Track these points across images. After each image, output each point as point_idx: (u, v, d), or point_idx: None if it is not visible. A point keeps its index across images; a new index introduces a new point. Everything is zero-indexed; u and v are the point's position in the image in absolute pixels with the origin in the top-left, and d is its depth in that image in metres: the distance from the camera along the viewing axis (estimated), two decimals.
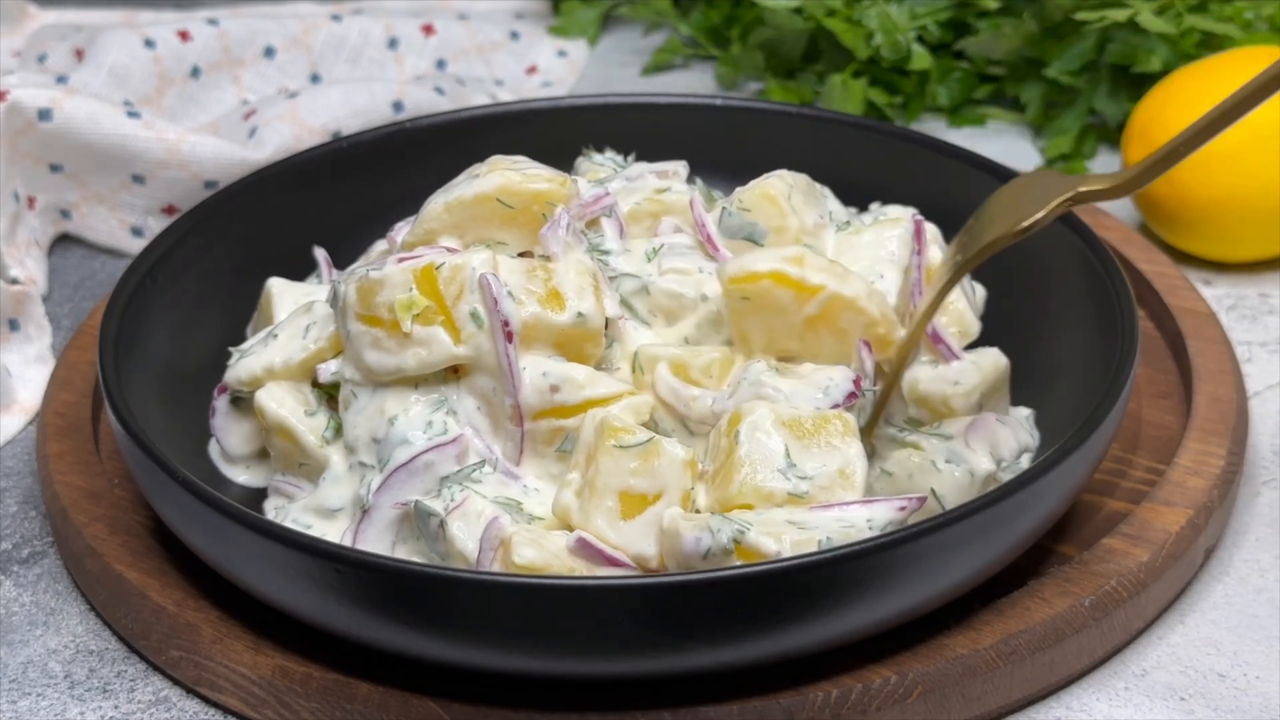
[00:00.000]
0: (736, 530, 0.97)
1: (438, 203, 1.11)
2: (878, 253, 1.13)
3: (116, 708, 1.03)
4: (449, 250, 1.08)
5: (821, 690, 0.97)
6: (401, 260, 1.06)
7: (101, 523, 1.10)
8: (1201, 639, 1.06)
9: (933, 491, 1.04)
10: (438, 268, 1.05)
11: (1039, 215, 1.01)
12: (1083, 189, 1.01)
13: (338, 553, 0.95)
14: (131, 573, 1.06)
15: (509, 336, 1.05)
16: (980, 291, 1.19)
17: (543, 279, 1.07)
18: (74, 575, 1.11)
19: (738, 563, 0.97)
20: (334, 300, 1.08)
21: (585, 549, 1.00)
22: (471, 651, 0.95)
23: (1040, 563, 1.06)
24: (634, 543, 1.00)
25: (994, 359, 1.14)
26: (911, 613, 0.98)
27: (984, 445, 1.06)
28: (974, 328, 1.15)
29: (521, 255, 1.10)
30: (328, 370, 1.10)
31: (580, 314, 1.06)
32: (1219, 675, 1.03)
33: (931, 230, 1.16)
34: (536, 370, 1.05)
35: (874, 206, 1.23)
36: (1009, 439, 1.07)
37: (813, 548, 0.97)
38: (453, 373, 1.07)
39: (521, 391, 1.05)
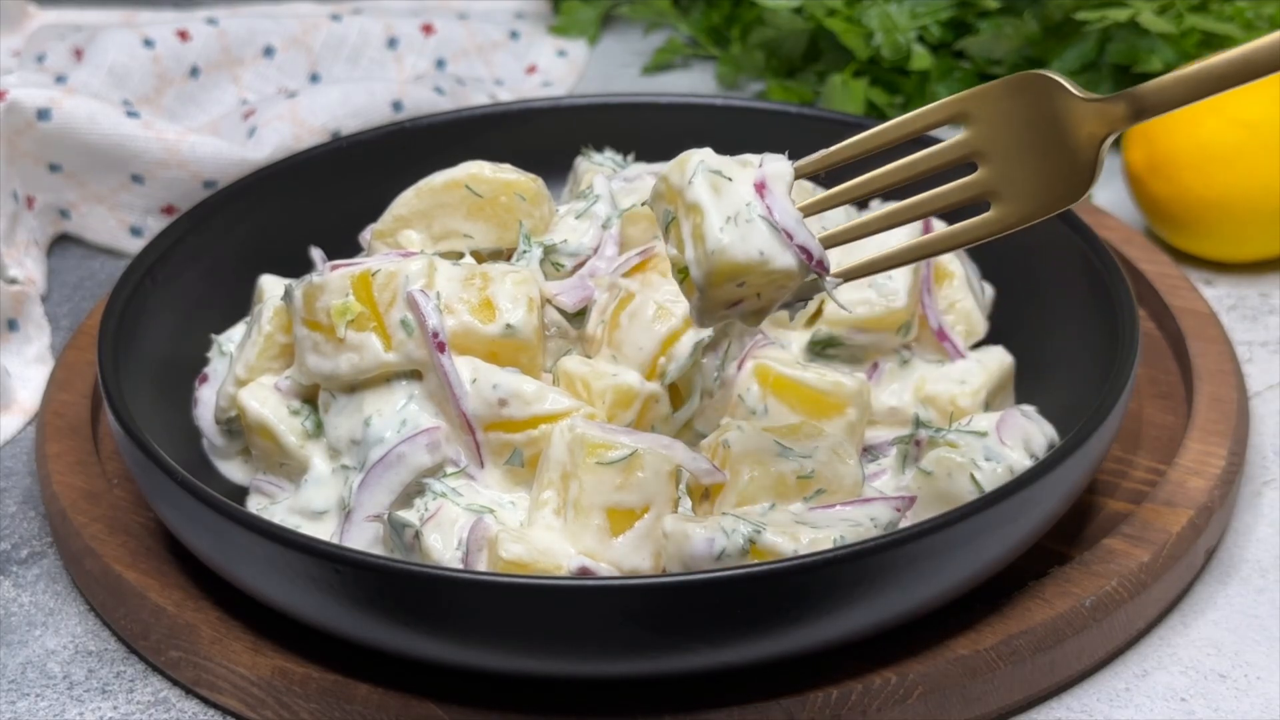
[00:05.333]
0: (752, 530, 0.97)
1: (409, 190, 1.14)
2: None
3: (115, 708, 1.03)
4: (400, 256, 1.09)
5: (821, 690, 0.97)
6: (336, 267, 1.07)
7: (101, 523, 1.10)
8: (1202, 639, 1.06)
9: (976, 482, 1.04)
10: (373, 274, 1.06)
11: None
12: None
13: (338, 553, 0.95)
14: (131, 573, 1.06)
15: (440, 347, 1.05)
16: (989, 291, 1.19)
17: (478, 288, 1.07)
18: (73, 575, 1.11)
19: (750, 563, 0.97)
20: (288, 301, 1.10)
21: (587, 576, 0.99)
22: (471, 652, 0.95)
23: (1040, 563, 1.06)
24: (626, 558, 1.00)
25: (999, 358, 1.14)
26: (912, 613, 0.98)
27: (1018, 441, 1.06)
28: (981, 327, 1.15)
29: (490, 253, 1.12)
30: (284, 377, 1.11)
31: (509, 325, 1.06)
32: (1219, 675, 1.03)
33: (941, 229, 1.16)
34: (487, 381, 1.05)
35: (874, 203, 1.23)
36: (1036, 433, 1.06)
37: (828, 545, 0.97)
38: (418, 375, 1.07)
39: (466, 401, 1.04)
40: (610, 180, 1.19)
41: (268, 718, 1.01)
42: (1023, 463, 1.04)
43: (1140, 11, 1.44)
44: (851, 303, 1.12)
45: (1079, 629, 1.02)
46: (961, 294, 1.15)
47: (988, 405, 1.12)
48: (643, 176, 1.20)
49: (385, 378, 1.07)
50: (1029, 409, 1.10)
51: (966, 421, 1.08)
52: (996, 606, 1.02)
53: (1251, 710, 1.01)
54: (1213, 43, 1.47)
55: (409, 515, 1.03)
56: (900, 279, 1.12)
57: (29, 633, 1.08)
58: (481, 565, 1.00)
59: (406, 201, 1.14)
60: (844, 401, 1.07)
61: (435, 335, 1.05)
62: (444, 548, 1.01)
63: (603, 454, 1.00)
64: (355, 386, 1.08)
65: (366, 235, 1.17)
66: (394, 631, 0.96)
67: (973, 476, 1.03)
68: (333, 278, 1.07)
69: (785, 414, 1.07)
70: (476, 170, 1.13)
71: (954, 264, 1.15)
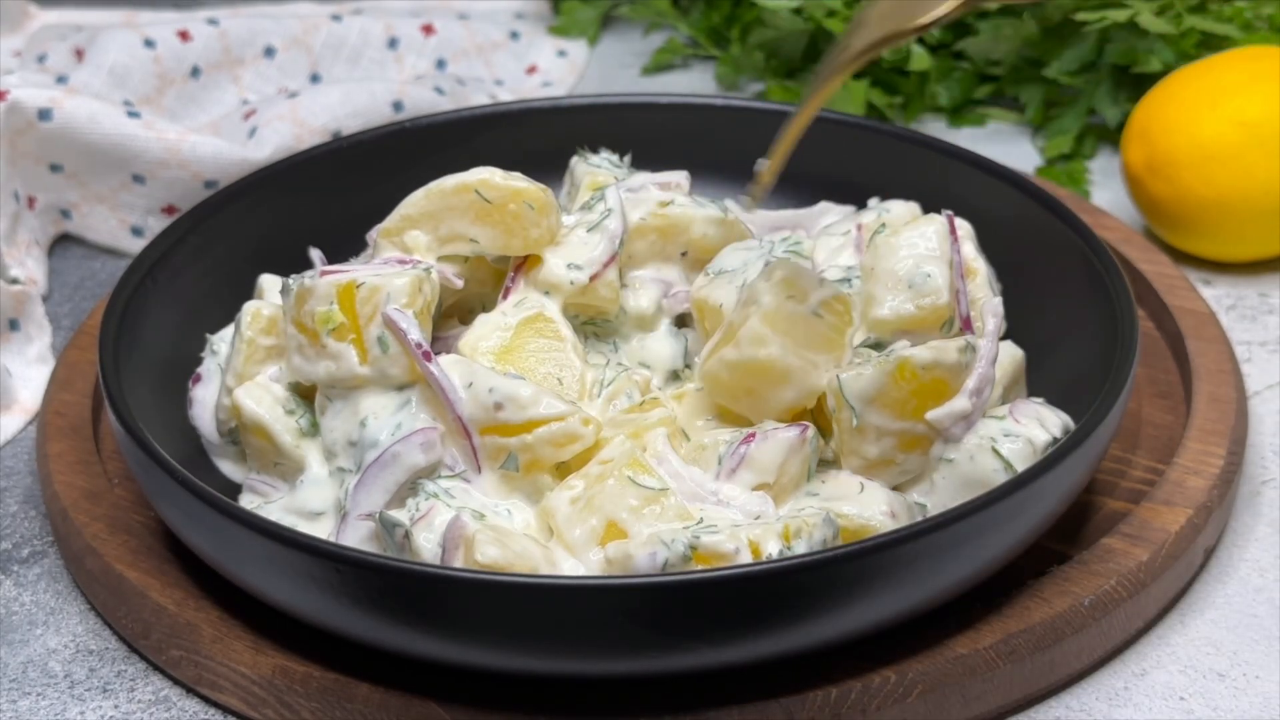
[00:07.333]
0: (691, 536, 0.97)
1: (419, 190, 1.14)
2: (917, 250, 1.13)
3: (116, 707, 1.03)
4: (396, 264, 1.10)
5: (821, 689, 0.97)
6: (325, 274, 1.08)
7: (101, 522, 1.10)
8: (1201, 638, 1.06)
9: (1001, 456, 1.04)
10: (358, 286, 1.06)
11: (943, 9, 0.87)
12: None
13: (338, 553, 0.95)
14: (131, 572, 1.06)
15: (427, 356, 1.05)
16: (998, 289, 1.19)
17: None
18: (74, 575, 1.11)
19: (698, 568, 0.97)
20: (284, 296, 1.10)
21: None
22: (471, 651, 0.95)
23: (1040, 562, 1.06)
24: (596, 570, 1.00)
25: (1010, 352, 1.14)
26: (911, 612, 0.98)
27: (1032, 419, 1.06)
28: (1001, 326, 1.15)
29: (494, 260, 1.13)
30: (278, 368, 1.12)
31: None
32: (1218, 675, 1.03)
33: (964, 227, 1.16)
34: (483, 386, 1.05)
35: (873, 202, 1.23)
36: (1050, 416, 1.07)
37: (772, 538, 0.97)
38: (416, 379, 1.08)
39: (461, 406, 1.05)
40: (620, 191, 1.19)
41: (269, 716, 1.01)
42: (1041, 437, 1.04)
43: (1139, 12, 1.44)
44: (894, 307, 1.11)
45: (1078, 628, 1.02)
46: (982, 292, 1.15)
47: (1004, 400, 1.12)
48: (647, 187, 1.20)
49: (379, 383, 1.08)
50: (1039, 400, 1.10)
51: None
52: (995, 606, 1.02)
53: (1250, 709, 1.01)
54: (1211, 43, 1.47)
55: (399, 515, 1.03)
56: (938, 277, 1.12)
57: (30, 632, 1.08)
58: (458, 563, 0.99)
59: (415, 202, 1.14)
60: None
61: (419, 346, 1.06)
62: (434, 547, 1.01)
63: (640, 475, 1.01)
64: (352, 389, 1.08)
65: (373, 235, 1.17)
66: (394, 630, 0.96)
67: (995, 450, 1.03)
68: (320, 283, 1.07)
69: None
70: (488, 176, 1.13)
71: (977, 262, 1.15)
